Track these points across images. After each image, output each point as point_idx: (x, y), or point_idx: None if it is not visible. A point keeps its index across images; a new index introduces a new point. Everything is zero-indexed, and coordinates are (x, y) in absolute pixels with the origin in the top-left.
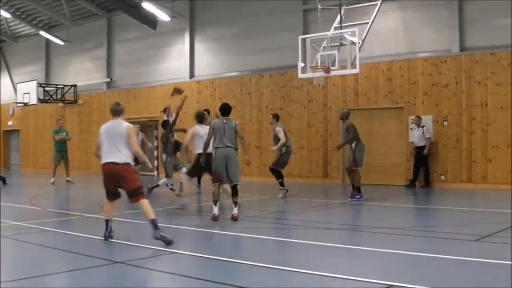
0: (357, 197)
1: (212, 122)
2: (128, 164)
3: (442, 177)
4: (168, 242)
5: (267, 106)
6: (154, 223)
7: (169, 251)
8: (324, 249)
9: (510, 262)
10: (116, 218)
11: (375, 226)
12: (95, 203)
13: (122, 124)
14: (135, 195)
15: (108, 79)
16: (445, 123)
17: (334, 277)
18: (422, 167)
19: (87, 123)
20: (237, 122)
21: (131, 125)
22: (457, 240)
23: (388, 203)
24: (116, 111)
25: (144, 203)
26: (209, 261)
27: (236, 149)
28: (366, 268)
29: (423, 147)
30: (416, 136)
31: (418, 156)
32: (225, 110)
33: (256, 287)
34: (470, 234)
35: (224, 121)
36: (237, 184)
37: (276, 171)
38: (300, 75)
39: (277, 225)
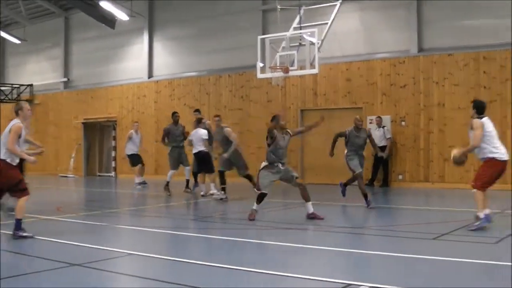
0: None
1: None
2: (3, 160)
3: (400, 177)
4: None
5: (225, 106)
6: (17, 223)
7: (127, 253)
8: (284, 249)
9: (467, 260)
10: (72, 220)
11: (334, 226)
12: (51, 204)
13: (12, 123)
14: (14, 191)
15: (65, 79)
16: (403, 123)
17: (293, 277)
18: (383, 166)
19: (43, 124)
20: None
21: (19, 125)
22: (415, 238)
23: (346, 202)
24: (15, 111)
25: (21, 201)
26: (165, 262)
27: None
28: (325, 267)
29: (383, 147)
30: (377, 136)
31: (379, 156)
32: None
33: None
34: (428, 232)
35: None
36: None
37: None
38: (259, 75)
39: (236, 225)
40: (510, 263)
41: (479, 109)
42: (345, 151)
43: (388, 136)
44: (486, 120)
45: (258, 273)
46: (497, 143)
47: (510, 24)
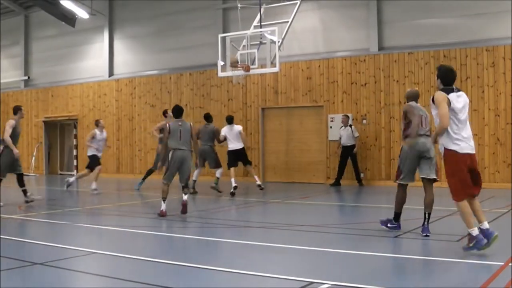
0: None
1: (167, 125)
2: None
3: (362, 175)
4: None
5: (186, 105)
6: None
7: (89, 251)
8: (245, 247)
9: (428, 258)
10: (34, 219)
11: (296, 224)
12: (12, 203)
13: None
14: None
15: (26, 77)
16: (364, 121)
17: (255, 275)
18: (353, 166)
19: (3, 122)
20: (191, 124)
21: None
22: (376, 236)
23: (308, 201)
24: None
25: None
26: (131, 261)
27: (191, 151)
28: (288, 266)
29: (351, 146)
30: (344, 136)
31: (347, 156)
32: (178, 112)
33: (178, 287)
34: (389, 230)
35: (179, 123)
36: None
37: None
38: (220, 74)
39: (198, 224)
40: (472, 261)
41: (444, 78)
42: None
43: (356, 135)
44: (454, 95)
45: (220, 271)
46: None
47: (471, 23)
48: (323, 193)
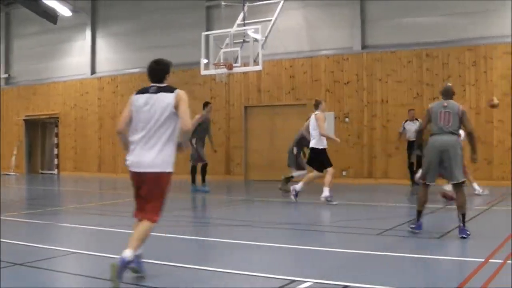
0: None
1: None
2: None
3: (344, 173)
4: None
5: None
6: None
7: (71, 251)
8: (227, 245)
9: (410, 255)
10: (14, 219)
11: (279, 222)
12: None
13: None
14: None
15: (6, 75)
16: (347, 119)
17: (238, 273)
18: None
19: None
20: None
21: None
22: (359, 234)
23: (290, 199)
24: None
25: None
26: (109, 260)
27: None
28: (271, 264)
29: None
30: (411, 130)
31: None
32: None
33: (159, 287)
34: (372, 228)
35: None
36: None
37: None
38: (203, 72)
39: (180, 222)
40: (455, 258)
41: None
42: None
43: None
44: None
45: (204, 270)
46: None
47: (454, 22)
48: (305, 191)
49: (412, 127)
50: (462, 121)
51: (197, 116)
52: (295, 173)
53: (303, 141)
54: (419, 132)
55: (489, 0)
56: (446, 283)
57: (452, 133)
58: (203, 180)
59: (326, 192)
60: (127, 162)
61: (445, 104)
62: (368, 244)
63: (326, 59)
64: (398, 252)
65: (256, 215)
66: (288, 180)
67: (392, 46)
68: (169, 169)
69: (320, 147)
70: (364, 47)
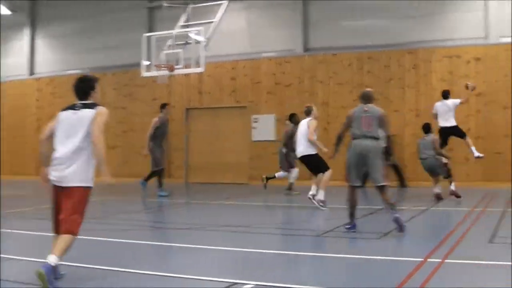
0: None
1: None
2: None
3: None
4: None
5: (109, 105)
6: None
7: (4, 257)
8: (169, 249)
9: (350, 256)
10: None
11: (220, 225)
12: None
13: None
14: None
15: None
16: (288, 122)
17: (179, 277)
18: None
19: None
20: None
21: None
22: (300, 236)
23: (232, 201)
24: None
25: None
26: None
27: None
28: (212, 267)
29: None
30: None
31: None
32: None
33: None
34: (312, 230)
35: None
36: None
37: None
38: (144, 74)
39: (118, 226)
40: (394, 258)
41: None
42: None
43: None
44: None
45: (144, 274)
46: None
47: (395, 26)
48: (246, 193)
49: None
50: (381, 125)
51: (155, 119)
52: (277, 174)
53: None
54: (339, 137)
55: (430, 3)
56: (385, 283)
57: (373, 137)
58: (160, 184)
59: (321, 195)
60: (50, 177)
61: (366, 109)
62: (308, 246)
63: (268, 61)
64: (338, 253)
65: (196, 217)
66: (269, 179)
67: (334, 49)
68: (88, 183)
69: (312, 152)
70: (306, 49)
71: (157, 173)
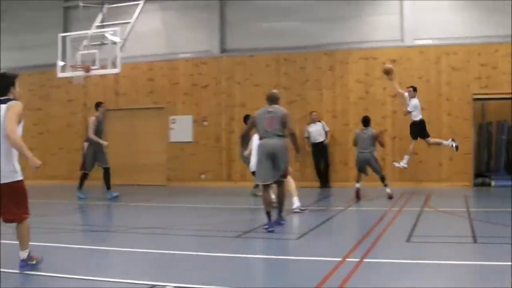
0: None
1: None
2: None
3: (203, 176)
4: None
5: (24, 106)
6: None
7: None
8: (88, 252)
9: (269, 256)
10: None
11: (138, 227)
12: None
13: None
14: None
15: None
16: (205, 123)
17: (99, 280)
18: (324, 164)
19: None
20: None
21: None
22: (218, 237)
23: (150, 203)
24: None
25: None
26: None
27: None
28: (130, 269)
29: (323, 142)
30: (314, 132)
31: (319, 152)
32: None
33: None
34: (231, 231)
35: None
36: None
37: None
38: (60, 74)
39: (41, 229)
40: (313, 258)
41: None
42: None
43: (327, 129)
44: None
45: (64, 278)
46: None
47: (311, 28)
48: (164, 194)
49: (315, 129)
50: (284, 124)
51: (92, 118)
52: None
53: None
54: (242, 137)
55: (347, 5)
56: (304, 283)
57: (278, 135)
58: (80, 186)
59: (297, 201)
60: None
61: (270, 110)
62: (227, 246)
63: (185, 62)
64: (257, 254)
65: (115, 219)
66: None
67: (251, 50)
68: (18, 177)
69: None
70: (223, 50)
71: (86, 176)
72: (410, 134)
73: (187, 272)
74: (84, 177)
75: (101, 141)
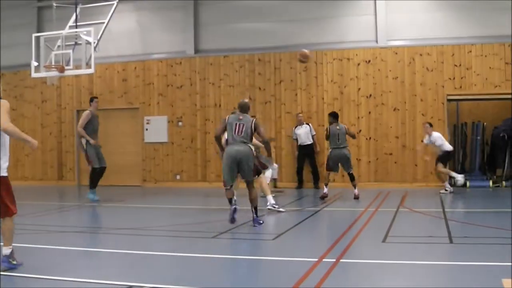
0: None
1: None
2: None
3: (178, 177)
4: None
5: None
6: None
7: None
8: (65, 253)
9: (245, 257)
10: None
11: (113, 228)
12: None
13: None
14: None
15: None
16: (180, 123)
17: (76, 281)
18: (311, 166)
19: None
20: None
21: None
22: (195, 238)
23: (125, 204)
24: None
25: None
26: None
27: None
28: (106, 270)
29: (310, 145)
30: (302, 134)
31: (305, 155)
32: None
33: None
34: (207, 231)
35: None
36: None
37: None
38: (33, 75)
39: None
40: (289, 258)
41: None
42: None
43: (313, 133)
44: None
45: (39, 279)
46: None
47: (285, 28)
48: (138, 195)
49: (303, 132)
50: (257, 132)
51: (86, 112)
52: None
53: None
54: (217, 138)
55: (321, 6)
56: (280, 283)
57: (244, 142)
58: (91, 185)
59: (271, 199)
60: None
61: (241, 118)
62: (205, 247)
63: (159, 62)
64: (233, 254)
65: (90, 220)
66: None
67: (225, 51)
68: (3, 173)
69: None
70: (197, 51)
71: (99, 172)
72: (442, 161)
73: (163, 272)
74: (93, 173)
75: (87, 138)
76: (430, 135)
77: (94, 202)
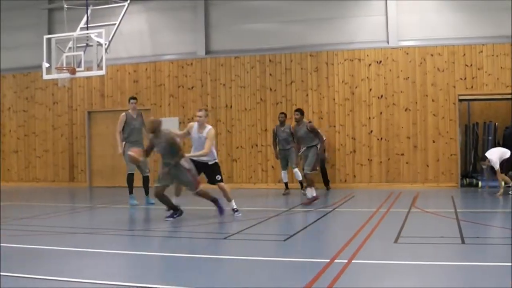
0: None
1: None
2: None
3: None
4: None
5: (9, 108)
6: None
7: None
8: (62, 253)
9: (257, 258)
10: None
11: (119, 229)
12: None
13: None
14: None
15: None
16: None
17: (72, 281)
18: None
19: None
20: None
21: None
22: (206, 239)
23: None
24: None
25: None
26: None
27: None
28: (105, 270)
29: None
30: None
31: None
32: None
33: None
34: (218, 232)
35: None
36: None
37: None
38: (45, 76)
39: (21, 231)
40: (301, 259)
41: None
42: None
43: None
44: None
45: (36, 279)
46: None
47: (296, 29)
48: (152, 196)
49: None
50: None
51: (122, 115)
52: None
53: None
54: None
55: (332, 7)
56: (292, 284)
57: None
58: (129, 191)
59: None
60: None
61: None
62: (215, 248)
63: (170, 64)
64: (245, 255)
65: (99, 222)
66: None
67: (236, 52)
68: None
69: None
70: (208, 52)
71: (130, 177)
72: (503, 169)
73: (164, 273)
74: (129, 179)
75: (118, 144)
76: (494, 161)
77: (135, 206)
